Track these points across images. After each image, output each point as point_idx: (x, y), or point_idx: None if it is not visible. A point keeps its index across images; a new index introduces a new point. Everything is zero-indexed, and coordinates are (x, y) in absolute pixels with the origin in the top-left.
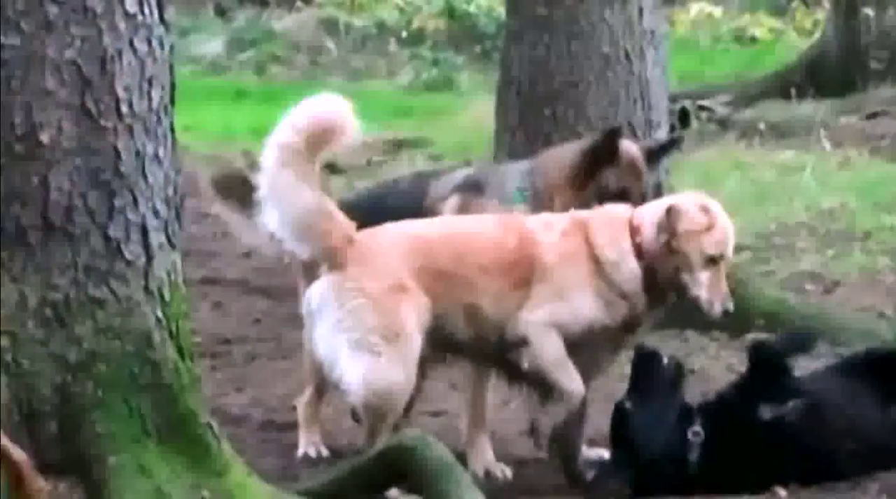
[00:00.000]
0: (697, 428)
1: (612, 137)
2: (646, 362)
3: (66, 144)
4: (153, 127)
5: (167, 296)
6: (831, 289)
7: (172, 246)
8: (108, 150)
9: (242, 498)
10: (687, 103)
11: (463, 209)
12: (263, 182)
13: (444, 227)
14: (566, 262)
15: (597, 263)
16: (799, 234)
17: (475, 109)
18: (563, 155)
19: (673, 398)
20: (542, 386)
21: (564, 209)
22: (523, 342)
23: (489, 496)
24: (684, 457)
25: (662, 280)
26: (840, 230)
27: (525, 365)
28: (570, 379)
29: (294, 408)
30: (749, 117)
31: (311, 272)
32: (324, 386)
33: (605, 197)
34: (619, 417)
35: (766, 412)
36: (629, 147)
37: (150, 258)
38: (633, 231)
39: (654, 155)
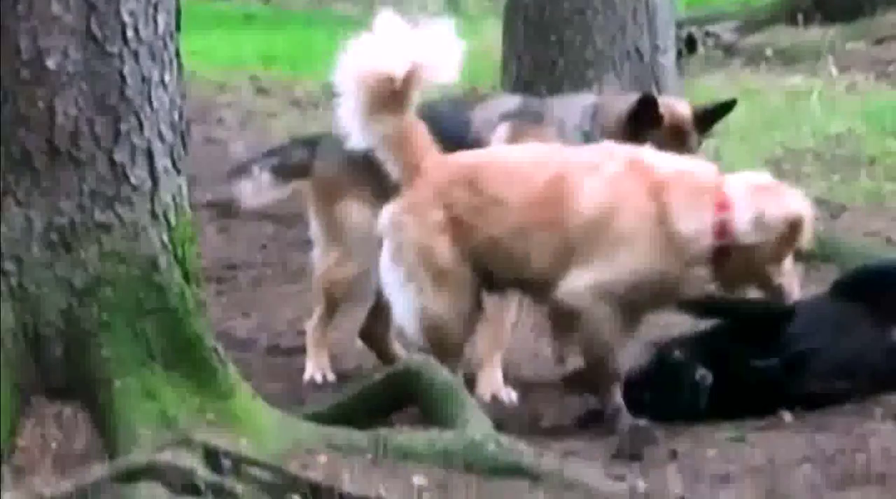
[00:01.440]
0: (703, 371)
1: (646, 104)
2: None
3: (72, 69)
4: (159, 52)
5: (173, 220)
6: (838, 214)
7: (178, 171)
8: (114, 75)
9: (248, 421)
10: (693, 29)
11: (514, 138)
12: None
13: (480, 160)
14: (613, 213)
15: (667, 228)
16: (805, 159)
17: (482, 35)
18: (618, 110)
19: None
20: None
21: None
22: (574, 314)
23: (495, 421)
24: (696, 403)
25: (746, 272)
26: (846, 156)
27: (578, 340)
28: (615, 362)
29: (301, 332)
30: (756, 43)
31: (320, 197)
32: (333, 310)
33: None
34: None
35: (757, 361)
36: (678, 109)
37: (155, 183)
38: (720, 207)
39: (707, 117)
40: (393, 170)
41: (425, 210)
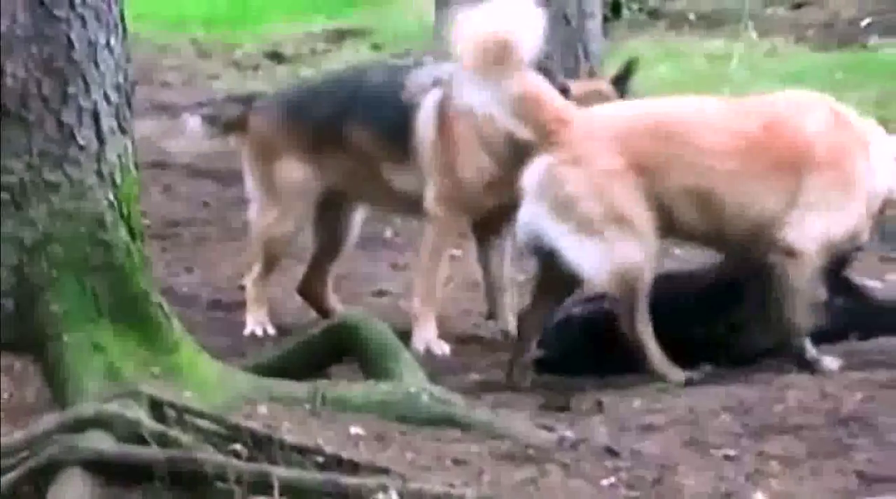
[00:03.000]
0: None
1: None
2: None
3: (21, 32)
4: (104, 16)
5: (118, 179)
6: None
7: (123, 131)
8: (62, 38)
9: (191, 374)
10: None
11: (445, 102)
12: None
13: (664, 110)
14: (843, 159)
15: (872, 180)
16: None
17: (415, 0)
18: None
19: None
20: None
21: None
22: (790, 253)
23: (428, 372)
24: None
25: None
26: None
27: (780, 275)
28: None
29: (242, 288)
30: (679, 7)
31: (257, 155)
32: (271, 266)
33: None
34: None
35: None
36: (597, 87)
37: (101, 143)
38: None
39: (617, 82)
40: (523, 128)
41: (595, 159)
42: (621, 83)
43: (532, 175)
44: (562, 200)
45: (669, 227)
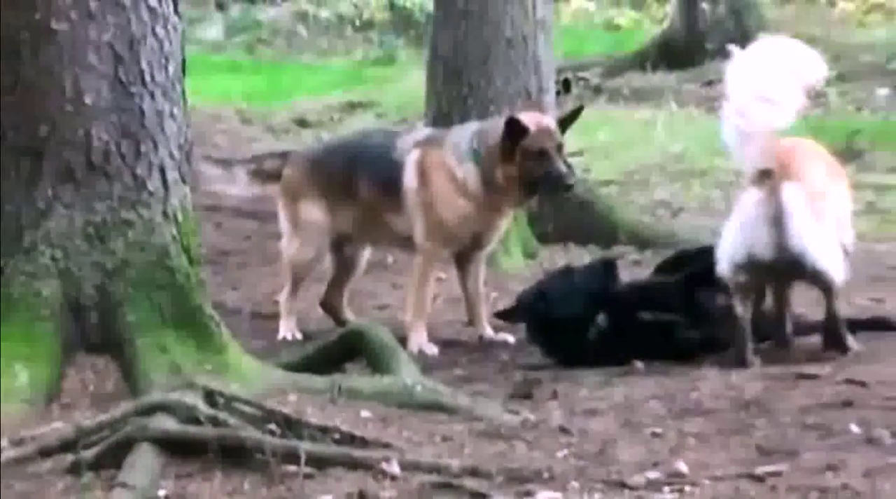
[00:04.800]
0: (602, 316)
1: (511, 122)
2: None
3: (104, 104)
4: (169, 92)
5: (180, 218)
6: (677, 213)
7: (184, 181)
8: (136, 109)
9: (237, 370)
10: (569, 75)
11: (422, 159)
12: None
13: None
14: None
15: None
16: (653, 171)
17: (410, 79)
18: (497, 129)
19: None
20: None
21: (505, 176)
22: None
23: (421, 368)
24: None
25: None
26: (683, 169)
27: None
28: None
29: (275, 302)
30: (616, 85)
31: (287, 197)
32: (298, 285)
33: (529, 156)
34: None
35: (646, 315)
36: (542, 118)
37: (167, 190)
38: None
39: (563, 122)
40: (752, 166)
41: (819, 186)
42: (566, 123)
43: (790, 198)
44: (821, 218)
45: None
